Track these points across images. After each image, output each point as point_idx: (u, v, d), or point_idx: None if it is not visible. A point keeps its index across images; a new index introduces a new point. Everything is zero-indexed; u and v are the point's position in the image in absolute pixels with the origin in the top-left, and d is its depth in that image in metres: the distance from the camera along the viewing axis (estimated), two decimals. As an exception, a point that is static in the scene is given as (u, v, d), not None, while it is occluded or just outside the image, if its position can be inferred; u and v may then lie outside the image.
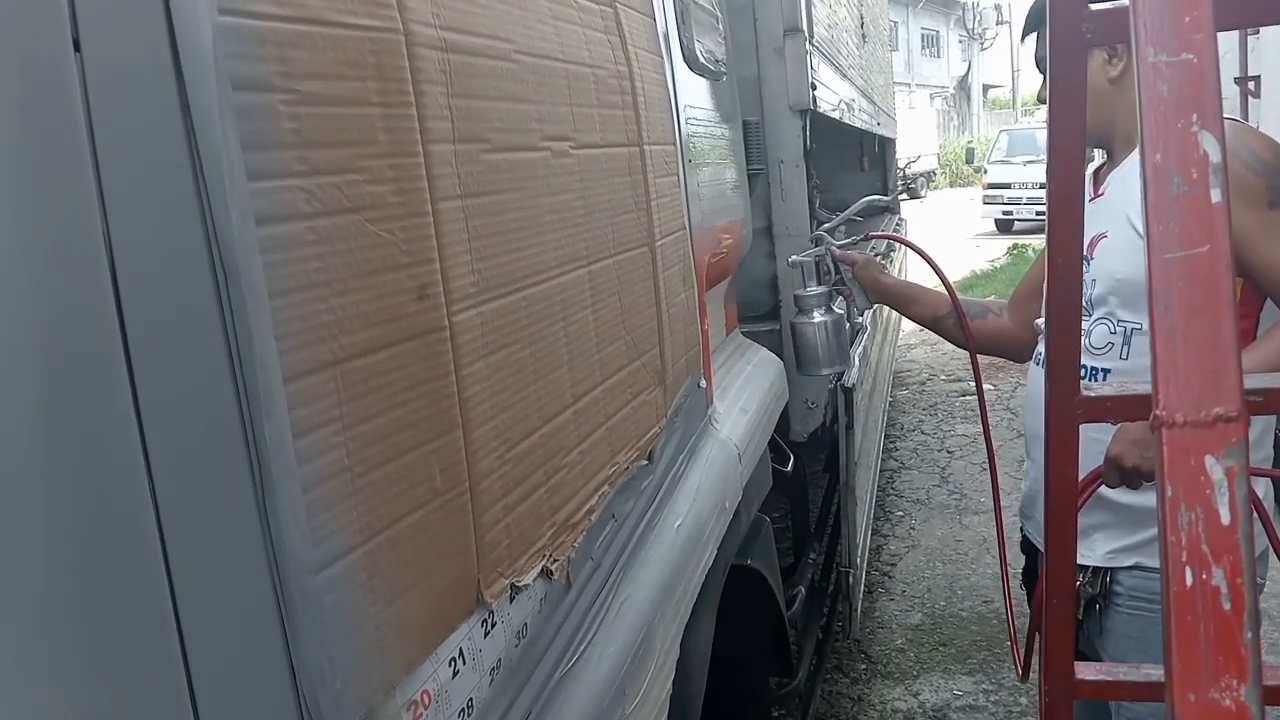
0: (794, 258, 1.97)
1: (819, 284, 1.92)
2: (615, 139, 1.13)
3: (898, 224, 6.09)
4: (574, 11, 1.04)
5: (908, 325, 8.21)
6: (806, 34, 2.22)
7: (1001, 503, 1.97)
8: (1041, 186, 15.06)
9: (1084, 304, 1.35)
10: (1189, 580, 0.42)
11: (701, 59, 1.60)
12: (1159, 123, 0.42)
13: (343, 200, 0.65)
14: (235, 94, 0.56)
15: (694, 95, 1.58)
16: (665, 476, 1.27)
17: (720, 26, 1.80)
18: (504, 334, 0.84)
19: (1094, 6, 0.87)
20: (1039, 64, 1.47)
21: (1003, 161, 16.63)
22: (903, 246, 4.82)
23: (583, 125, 1.03)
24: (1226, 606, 0.42)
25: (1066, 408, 1.01)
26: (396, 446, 0.69)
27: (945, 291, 1.87)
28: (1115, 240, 1.44)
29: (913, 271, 5.82)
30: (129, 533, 0.50)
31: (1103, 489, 1.40)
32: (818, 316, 1.89)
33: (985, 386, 6.46)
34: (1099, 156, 1.65)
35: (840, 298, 1.97)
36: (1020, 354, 1.82)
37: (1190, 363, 0.39)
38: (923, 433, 5.83)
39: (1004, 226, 16.26)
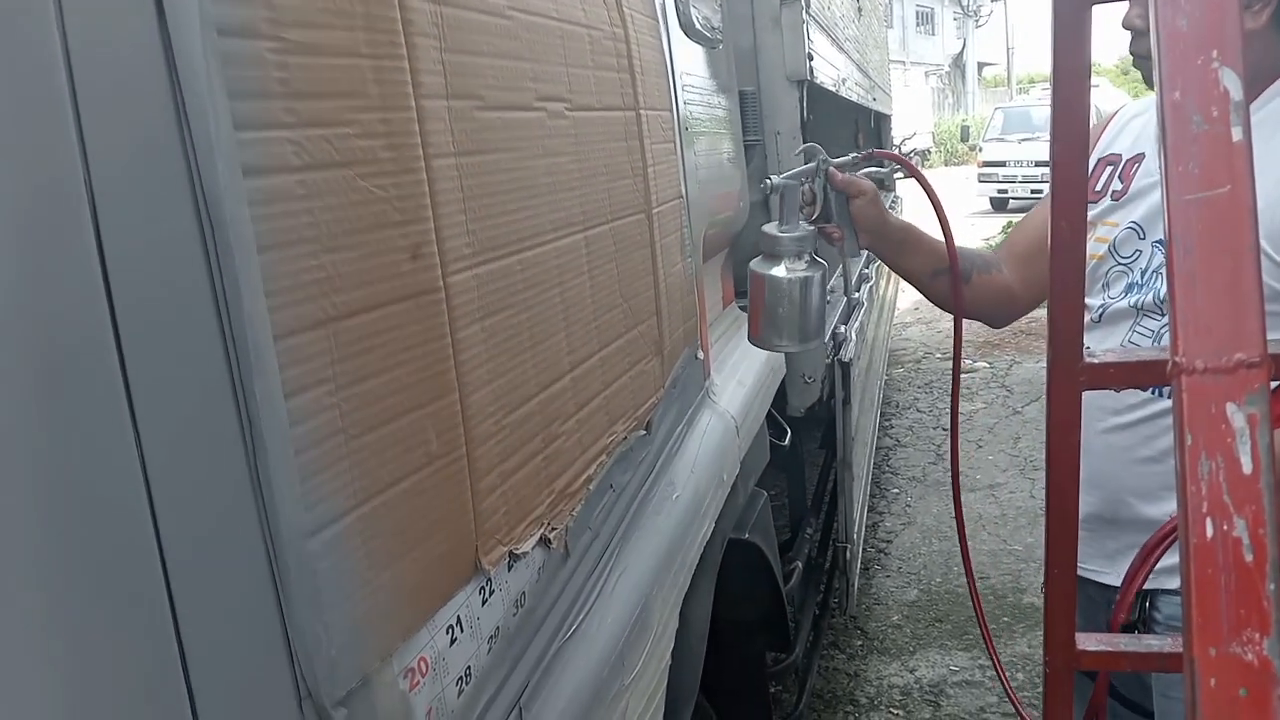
0: (774, 179, 1.37)
1: (798, 219, 1.36)
2: (611, 102, 1.11)
3: (893, 202, 6.07)
4: (568, -30, 1.02)
5: (903, 303, 8.19)
6: (803, 3, 2.20)
7: (960, 480, 1.63)
8: (1038, 164, 14.88)
9: (1154, 301, 1.27)
10: (1209, 531, 0.41)
11: (698, 26, 1.58)
12: (1178, 59, 0.40)
13: (333, 154, 0.63)
14: (221, 39, 0.54)
15: (690, 63, 1.55)
16: (663, 447, 1.26)
17: (717, -6, 1.78)
18: (500, 298, 0.83)
19: (1102, -40, 0.85)
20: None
21: (998, 139, 16.57)
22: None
23: (578, 86, 1.01)
24: (1248, 558, 0.41)
25: (1069, 376, 0.99)
26: (391, 409, 0.67)
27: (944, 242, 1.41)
28: None
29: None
30: (118, 495, 0.49)
31: (1144, 507, 1.30)
32: (795, 269, 1.34)
33: (981, 364, 6.42)
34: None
35: (822, 238, 1.42)
36: (1012, 315, 1.56)
37: (1210, 307, 0.38)
38: (918, 410, 5.83)
39: (999, 205, 16.22)
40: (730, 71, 1.89)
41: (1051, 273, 0.97)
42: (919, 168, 1.40)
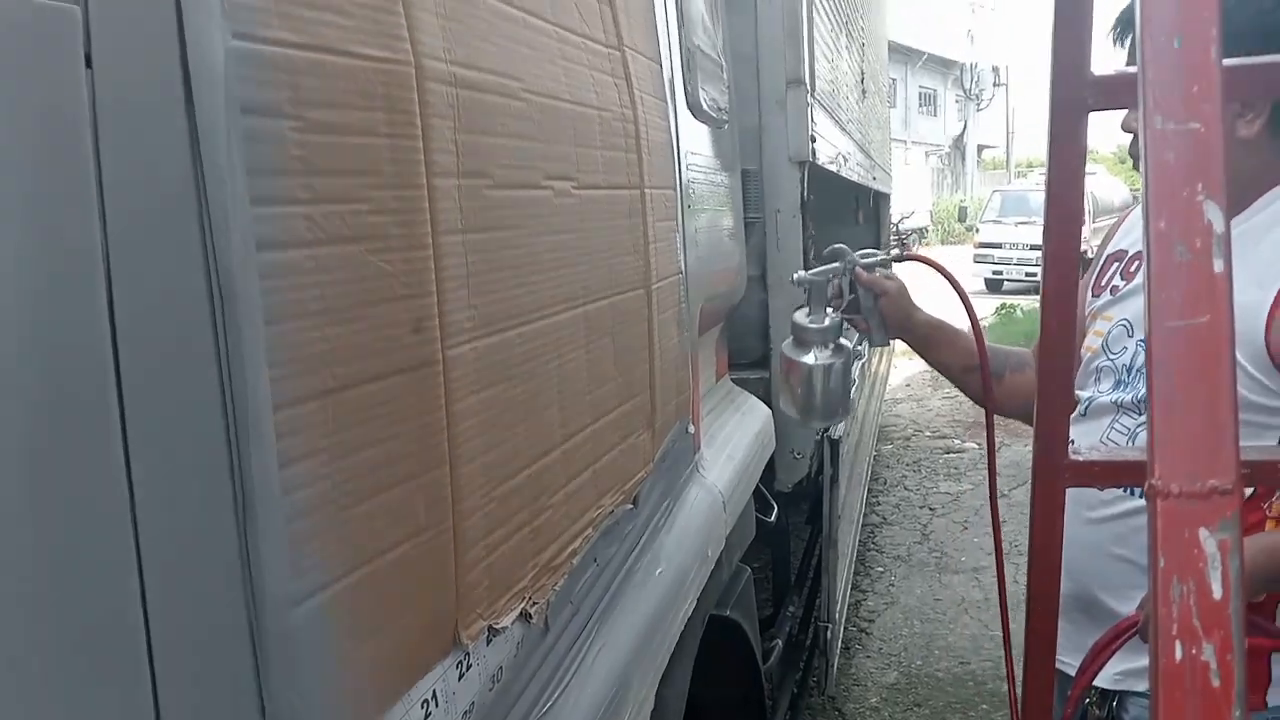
0: (801, 274, 1.49)
1: (827, 310, 1.47)
2: (617, 181, 1.14)
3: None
4: (583, 54, 1.05)
5: (894, 378, 8.22)
6: (808, 87, 2.25)
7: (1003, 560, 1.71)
8: (1033, 248, 15.10)
9: (1134, 400, 1.29)
10: (1178, 655, 0.41)
11: (705, 106, 1.62)
12: (1164, 190, 0.42)
13: (345, 229, 0.64)
14: (243, 118, 0.56)
15: (696, 141, 1.59)
16: (649, 522, 1.26)
17: (724, 75, 1.82)
18: (497, 370, 0.84)
19: (1096, 72, 0.88)
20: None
21: (995, 221, 16.82)
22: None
23: (586, 166, 1.04)
24: (1215, 683, 0.41)
25: (1053, 472, 1.00)
26: (383, 480, 0.68)
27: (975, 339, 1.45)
28: None
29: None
30: (107, 552, 0.49)
31: (1111, 602, 1.31)
32: (820, 357, 1.46)
33: (970, 445, 6.38)
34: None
35: (850, 328, 1.55)
36: None
37: (1187, 433, 0.39)
38: (905, 488, 5.82)
39: (994, 286, 16.39)
40: (734, 150, 1.93)
41: (1039, 369, 0.98)
42: (948, 271, 1.48)
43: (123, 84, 0.51)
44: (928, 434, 7.10)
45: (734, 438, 1.75)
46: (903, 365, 8.60)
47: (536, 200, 0.92)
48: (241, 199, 0.56)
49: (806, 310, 1.47)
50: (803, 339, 1.46)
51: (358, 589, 0.65)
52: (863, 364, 3.47)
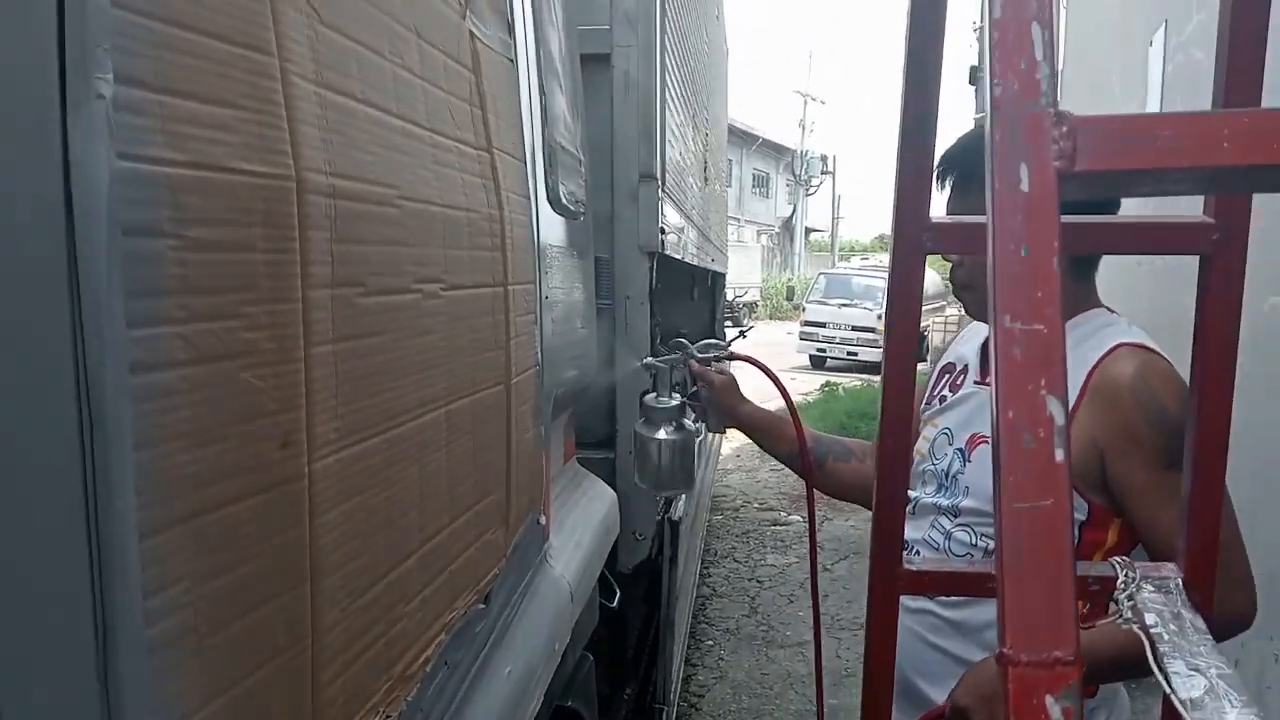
0: (649, 359, 1.77)
1: (671, 394, 1.70)
2: (482, 280, 1.15)
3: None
4: (454, 157, 1.07)
5: (725, 448, 8.44)
6: (660, 181, 2.34)
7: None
8: (854, 329, 15.96)
9: (950, 506, 1.39)
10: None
11: (564, 200, 1.65)
12: (1013, 383, 0.47)
13: (219, 347, 0.63)
14: (125, 239, 0.55)
15: (555, 234, 1.62)
16: (499, 618, 1.25)
17: (582, 169, 1.87)
18: (360, 480, 0.83)
19: (934, 218, 0.97)
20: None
21: (820, 302, 17.66)
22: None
23: (453, 267, 1.05)
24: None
25: (889, 578, 1.07)
26: (244, 603, 0.66)
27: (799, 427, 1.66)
28: None
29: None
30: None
31: (926, 688, 1.39)
32: (664, 433, 1.69)
33: (795, 518, 6.61)
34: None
35: (692, 413, 1.76)
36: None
37: (1033, 608, 0.44)
38: (735, 560, 5.95)
39: (818, 363, 17.17)
40: (588, 240, 1.97)
41: (877, 482, 1.06)
42: (774, 372, 1.78)
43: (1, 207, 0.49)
44: (756, 506, 7.31)
45: (581, 524, 1.76)
46: (734, 436, 8.85)
47: (406, 305, 0.93)
48: (118, 322, 0.54)
49: (654, 393, 1.70)
50: (651, 418, 1.70)
51: (217, 718, 0.62)
52: (700, 440, 3.57)
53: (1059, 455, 0.46)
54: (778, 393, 1.74)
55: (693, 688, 4.06)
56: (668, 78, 2.55)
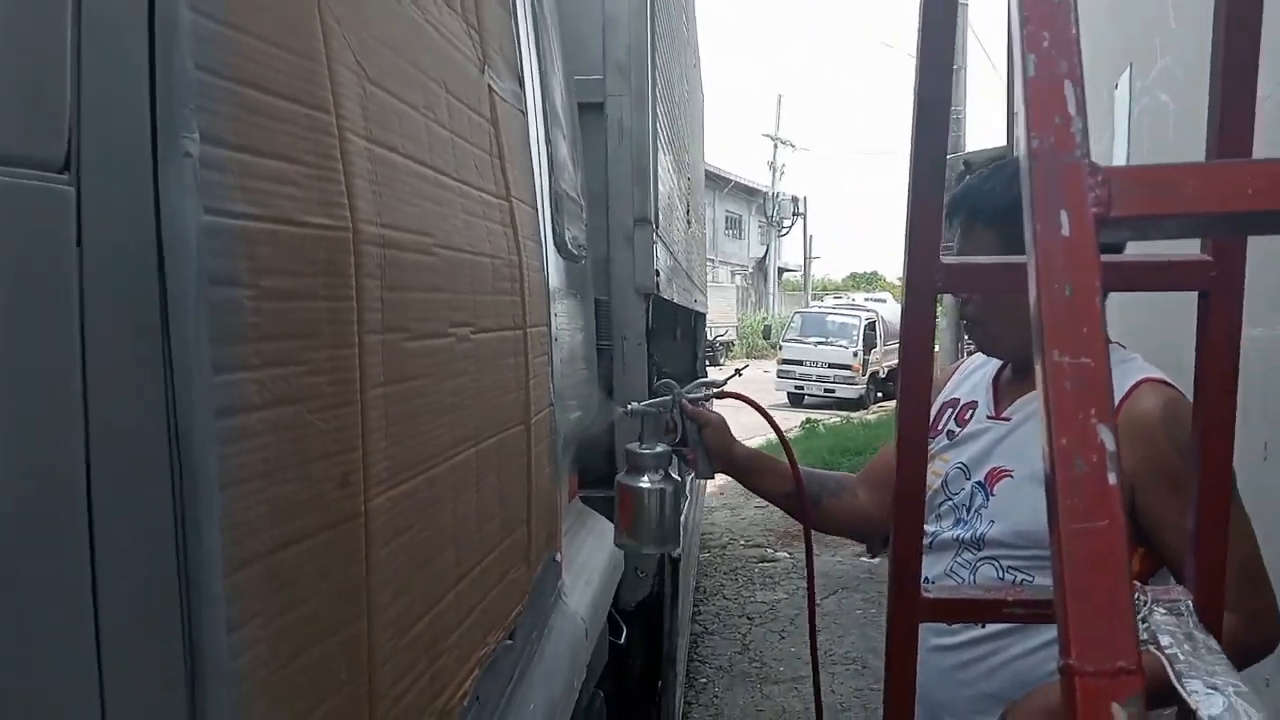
0: (634, 405, 1.59)
1: (659, 440, 1.58)
2: (505, 323, 1.18)
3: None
4: (479, 206, 1.11)
5: (710, 486, 8.46)
6: (654, 224, 2.39)
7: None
8: (830, 365, 16.00)
9: (973, 538, 1.42)
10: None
11: (569, 244, 1.70)
12: (1064, 413, 0.51)
13: (288, 391, 0.66)
14: (211, 289, 0.58)
15: (561, 278, 1.66)
16: (522, 653, 1.27)
17: (583, 215, 1.92)
18: (407, 517, 0.85)
19: (945, 260, 1.01)
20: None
21: (796, 340, 17.78)
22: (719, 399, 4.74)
23: (481, 311, 1.08)
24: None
25: (908, 607, 1.10)
26: (309, 637, 0.68)
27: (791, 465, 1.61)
28: (1025, 487, 1.37)
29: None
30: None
31: None
32: (652, 482, 1.53)
33: (782, 554, 6.58)
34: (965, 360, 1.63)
35: (679, 460, 1.63)
36: (875, 534, 1.73)
37: (1096, 621, 0.47)
38: (725, 597, 5.94)
39: (796, 400, 17.25)
40: (589, 282, 2.02)
41: (895, 513, 1.09)
42: (765, 409, 1.67)
43: (105, 260, 0.52)
44: (742, 542, 7.31)
45: (590, 562, 1.78)
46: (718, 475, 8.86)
47: (441, 348, 0.96)
48: (205, 367, 0.57)
49: (639, 441, 1.56)
50: (637, 465, 1.54)
51: (287, 753, 0.64)
52: (691, 478, 3.59)
53: (1112, 479, 0.49)
54: (762, 430, 1.71)
55: (688, 728, 4.05)
56: (658, 125, 2.61)
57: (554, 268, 1.59)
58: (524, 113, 1.41)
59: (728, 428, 1.66)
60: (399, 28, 0.91)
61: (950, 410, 1.56)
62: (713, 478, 1.82)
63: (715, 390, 1.74)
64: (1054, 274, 0.53)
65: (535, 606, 1.34)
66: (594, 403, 2.04)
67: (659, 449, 1.54)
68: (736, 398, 1.81)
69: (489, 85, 1.21)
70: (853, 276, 60.60)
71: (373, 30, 0.84)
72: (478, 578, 1.05)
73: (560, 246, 1.65)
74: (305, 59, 0.71)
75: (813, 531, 1.66)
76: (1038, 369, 0.53)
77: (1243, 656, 1.26)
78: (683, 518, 1.68)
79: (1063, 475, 0.49)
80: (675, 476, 1.57)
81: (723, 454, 1.65)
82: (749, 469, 1.67)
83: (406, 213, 0.87)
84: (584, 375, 1.90)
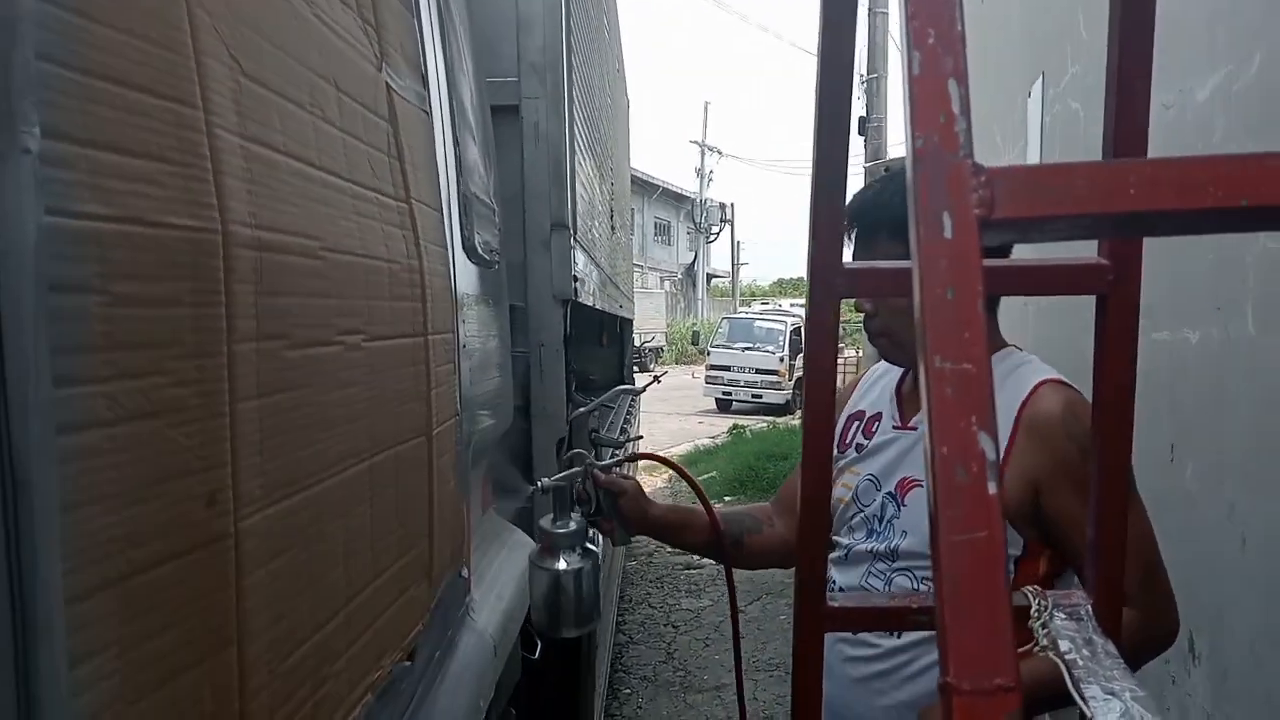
0: (545, 481, 1.54)
1: (573, 514, 1.52)
2: (404, 330, 1.14)
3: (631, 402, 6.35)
4: (375, 208, 1.07)
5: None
6: (571, 230, 2.36)
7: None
8: (758, 371, 16.26)
9: (887, 550, 1.41)
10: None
11: (479, 249, 1.66)
12: (945, 420, 0.49)
13: (145, 405, 0.61)
14: (51, 296, 0.53)
15: (470, 283, 1.62)
16: (423, 675, 1.22)
17: (496, 219, 1.88)
18: (285, 538, 0.81)
19: (847, 264, 1.01)
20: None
21: (724, 346, 17.92)
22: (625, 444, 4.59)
23: (375, 318, 1.04)
24: None
25: (814, 616, 1.09)
26: (171, 667, 0.64)
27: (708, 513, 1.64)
28: None
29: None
30: None
31: None
32: (568, 562, 1.47)
33: (706, 561, 6.62)
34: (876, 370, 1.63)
35: (595, 531, 1.61)
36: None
37: (975, 637, 0.46)
38: (650, 606, 5.93)
39: (724, 406, 17.37)
40: (503, 289, 1.98)
41: (800, 522, 1.08)
42: (682, 468, 1.72)
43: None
44: (668, 550, 7.30)
45: (502, 575, 1.74)
46: (644, 480, 8.86)
47: (329, 356, 0.91)
48: (44, 381, 0.53)
49: (552, 516, 1.51)
50: (551, 544, 1.48)
51: (141, 796, 0.60)
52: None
53: (991, 488, 0.48)
54: (688, 436, 1.73)
55: (612, 738, 4.01)
56: (576, 128, 2.58)
57: (463, 273, 1.55)
58: (428, 113, 1.37)
59: (642, 491, 1.66)
60: (281, 21, 0.86)
61: (857, 423, 1.56)
62: (629, 543, 1.78)
63: (627, 455, 1.76)
64: (936, 277, 0.51)
65: (438, 625, 1.29)
66: (508, 412, 2.00)
67: (573, 526, 1.49)
68: (649, 458, 1.87)
69: (387, 83, 1.17)
70: (780, 282, 61.42)
71: (250, 23, 0.79)
72: (370, 598, 1.00)
73: (470, 251, 1.61)
74: (167, 50, 0.66)
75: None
76: (921, 375, 0.51)
77: (1143, 650, 1.29)
78: (601, 584, 1.64)
79: (943, 485, 0.48)
80: (592, 548, 1.52)
81: (639, 519, 1.64)
82: (667, 526, 1.68)
83: (288, 214, 0.83)
84: (497, 383, 1.86)
